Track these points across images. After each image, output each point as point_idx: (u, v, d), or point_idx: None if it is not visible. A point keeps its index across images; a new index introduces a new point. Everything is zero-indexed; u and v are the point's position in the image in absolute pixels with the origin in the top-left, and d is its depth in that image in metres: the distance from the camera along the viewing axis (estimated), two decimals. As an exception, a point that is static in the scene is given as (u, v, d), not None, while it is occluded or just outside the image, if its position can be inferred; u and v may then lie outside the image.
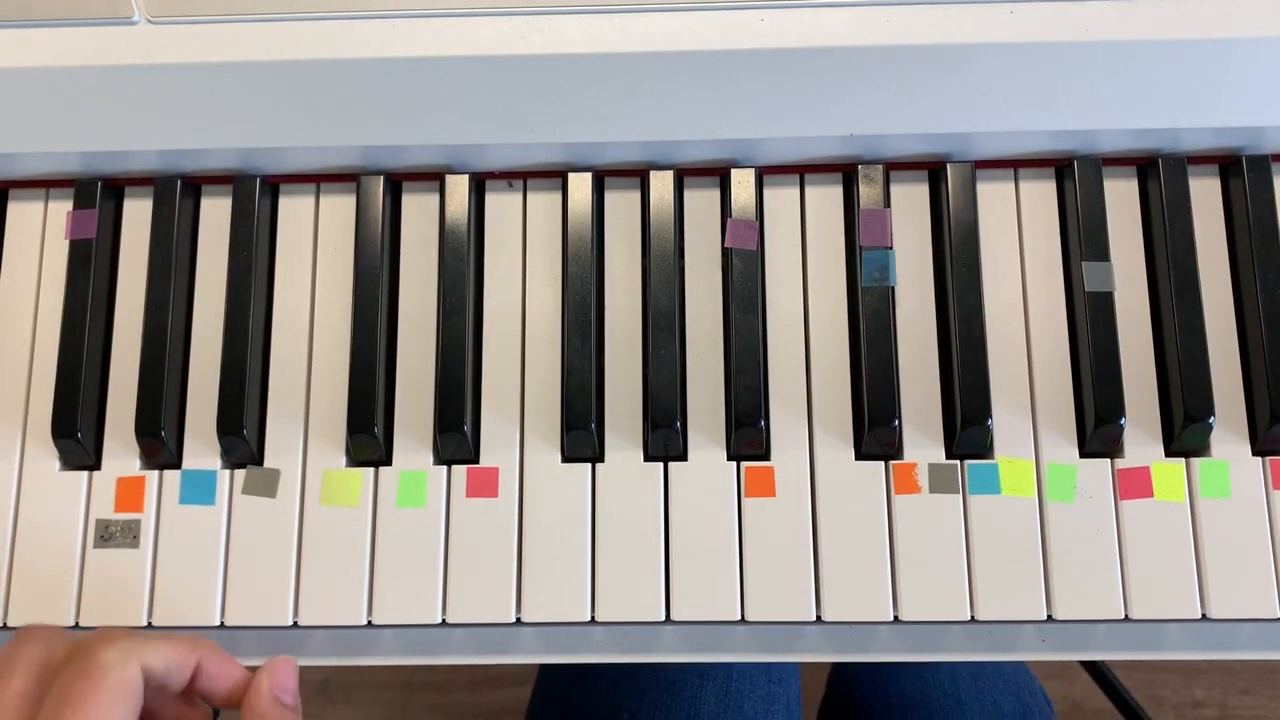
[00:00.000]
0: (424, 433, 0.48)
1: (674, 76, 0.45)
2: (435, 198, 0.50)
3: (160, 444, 0.47)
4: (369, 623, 0.46)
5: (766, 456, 0.47)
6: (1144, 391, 0.47)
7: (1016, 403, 0.47)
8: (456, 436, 0.47)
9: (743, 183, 0.49)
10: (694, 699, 0.63)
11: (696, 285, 0.49)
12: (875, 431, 0.46)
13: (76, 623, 0.46)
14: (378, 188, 0.49)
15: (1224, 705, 1.23)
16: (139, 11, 0.45)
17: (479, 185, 0.51)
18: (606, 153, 0.49)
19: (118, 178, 0.51)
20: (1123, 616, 0.45)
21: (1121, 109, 0.46)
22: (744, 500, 0.46)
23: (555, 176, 0.50)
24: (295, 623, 0.46)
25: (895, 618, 0.45)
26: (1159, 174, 0.48)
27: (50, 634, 0.38)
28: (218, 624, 0.46)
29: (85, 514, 0.47)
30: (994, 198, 0.50)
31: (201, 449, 0.48)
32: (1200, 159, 0.49)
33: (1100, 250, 0.48)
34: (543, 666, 0.71)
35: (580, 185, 0.49)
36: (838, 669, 0.78)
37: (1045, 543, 0.46)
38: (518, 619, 0.46)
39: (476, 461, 0.48)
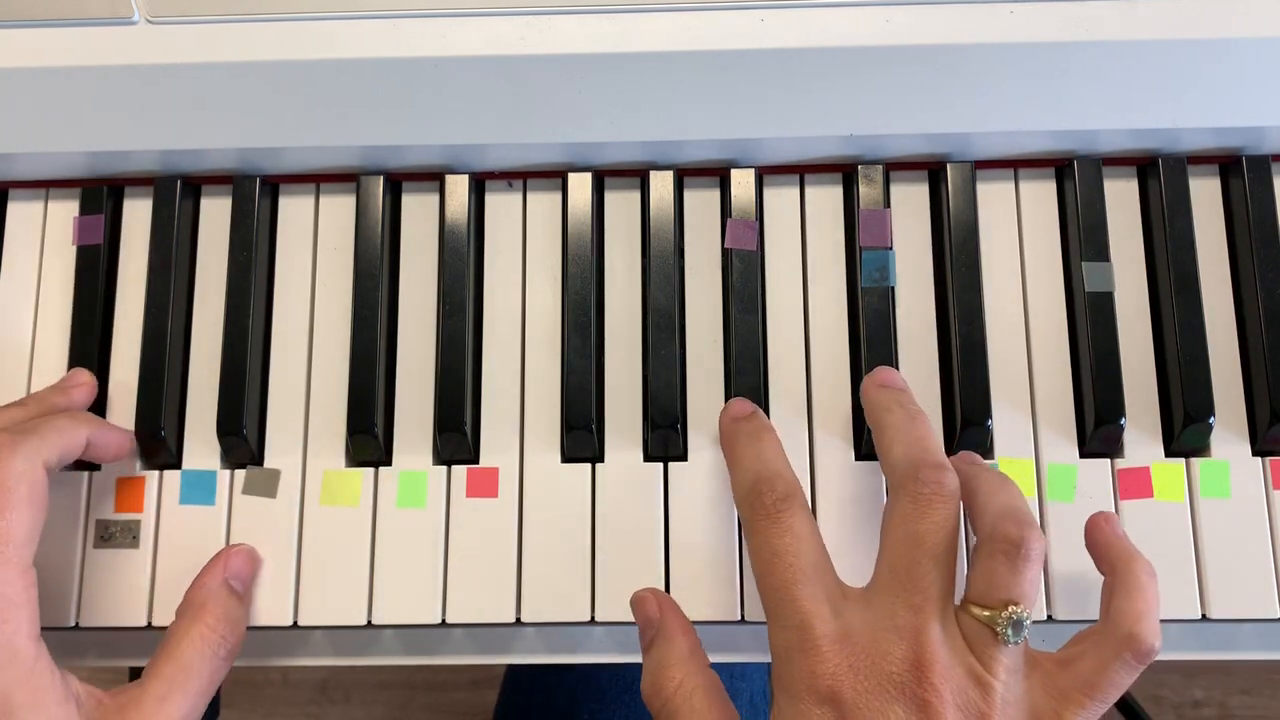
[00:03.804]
0: (424, 433, 0.48)
1: (674, 76, 0.45)
2: (435, 198, 0.50)
3: (160, 444, 0.47)
4: (369, 623, 0.46)
5: (766, 456, 0.47)
6: (1144, 391, 0.47)
7: (1016, 403, 0.47)
8: (456, 436, 0.47)
9: (743, 183, 0.49)
10: None
11: (696, 285, 0.49)
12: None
13: (76, 623, 0.46)
14: (378, 188, 0.49)
15: (1224, 705, 1.23)
16: (139, 11, 0.45)
17: (479, 185, 0.51)
18: (606, 153, 0.49)
19: (118, 178, 0.51)
20: (1123, 616, 0.45)
21: (1121, 109, 0.46)
22: (744, 500, 0.46)
23: (555, 176, 0.50)
24: (295, 623, 0.46)
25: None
26: (1159, 174, 0.48)
27: None
28: (218, 624, 0.46)
29: (85, 514, 0.47)
30: (994, 198, 0.50)
31: (201, 449, 0.48)
32: (1200, 159, 0.49)
33: (1100, 250, 0.48)
34: (508, 670, 0.71)
35: (580, 185, 0.49)
36: None
37: (1045, 543, 0.46)
38: (518, 619, 0.46)
39: (476, 461, 0.48)
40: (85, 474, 0.48)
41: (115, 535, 0.47)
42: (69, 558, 0.47)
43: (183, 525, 0.47)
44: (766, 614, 0.39)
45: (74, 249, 0.50)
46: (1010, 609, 0.37)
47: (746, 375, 0.47)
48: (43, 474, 0.41)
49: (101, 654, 0.48)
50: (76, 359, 0.48)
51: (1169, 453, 0.47)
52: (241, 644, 0.44)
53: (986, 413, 0.46)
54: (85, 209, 0.50)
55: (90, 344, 0.49)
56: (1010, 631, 0.37)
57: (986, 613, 0.37)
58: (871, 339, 0.47)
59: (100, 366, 0.49)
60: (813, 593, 0.38)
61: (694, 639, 0.42)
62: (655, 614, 0.43)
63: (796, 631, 0.38)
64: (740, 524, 0.46)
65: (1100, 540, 0.42)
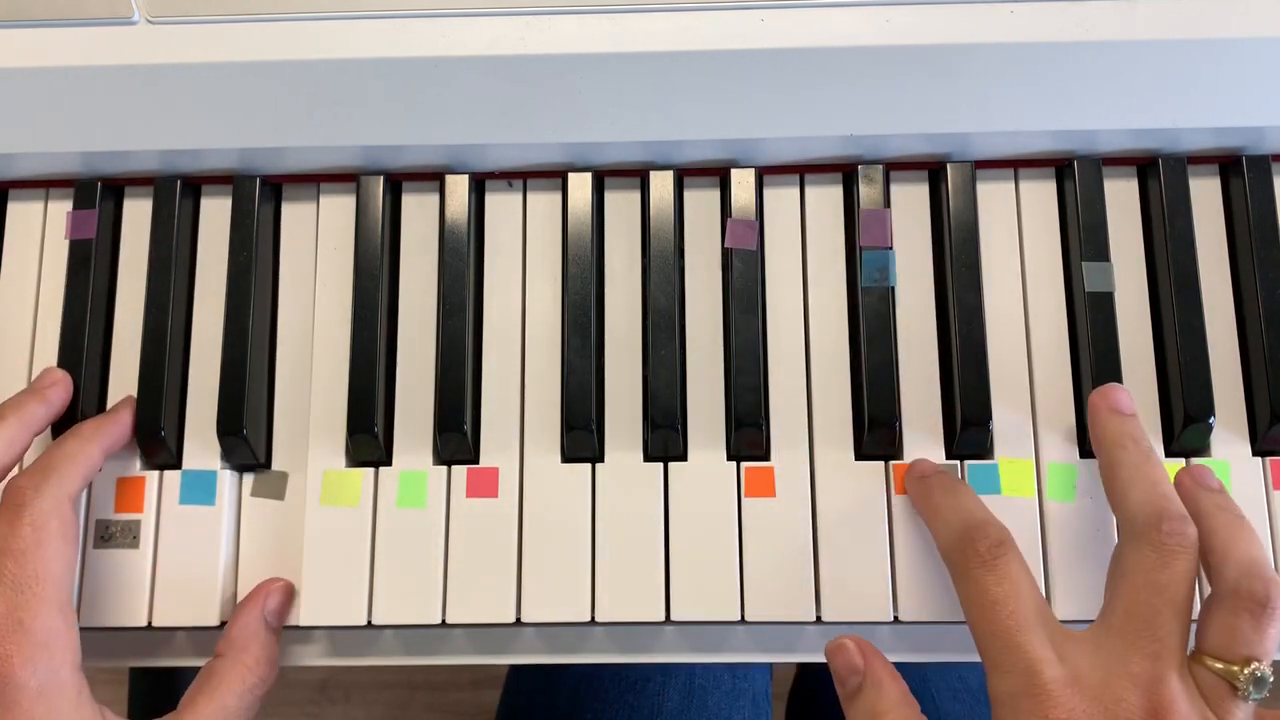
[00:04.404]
0: (424, 433, 0.48)
1: (674, 76, 0.45)
2: (435, 198, 0.50)
3: (160, 444, 0.47)
4: (369, 623, 0.46)
5: (766, 456, 0.47)
6: (1144, 391, 0.47)
7: (1016, 403, 0.47)
8: (456, 436, 0.47)
9: (743, 183, 0.49)
10: (657, 696, 0.64)
11: (696, 285, 0.49)
12: (875, 431, 0.46)
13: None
14: (378, 188, 0.49)
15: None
16: (139, 11, 0.45)
17: (479, 185, 0.51)
18: (606, 153, 0.49)
19: (118, 178, 0.51)
20: (1123, 616, 0.45)
21: (1121, 109, 0.46)
22: (744, 500, 0.46)
23: (555, 176, 0.50)
24: (296, 623, 0.46)
25: (895, 618, 0.45)
26: (1159, 174, 0.48)
27: None
28: (218, 624, 0.46)
29: (85, 514, 0.47)
30: (994, 198, 0.50)
31: (201, 449, 0.48)
32: (1200, 159, 0.49)
33: (1100, 250, 0.48)
34: (511, 670, 0.71)
35: (580, 185, 0.49)
36: None
37: (1045, 543, 0.46)
38: (518, 619, 0.46)
39: (476, 461, 0.48)
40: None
41: (115, 535, 0.47)
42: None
43: (183, 525, 0.47)
44: (986, 663, 0.39)
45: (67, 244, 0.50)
46: (1253, 665, 0.37)
47: (746, 375, 0.47)
48: (70, 509, 0.42)
49: (101, 654, 0.48)
50: (67, 352, 0.48)
51: (1169, 453, 0.47)
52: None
53: (987, 413, 0.46)
54: (79, 203, 0.50)
55: (80, 338, 0.48)
56: (1252, 688, 0.37)
57: (1225, 666, 0.37)
58: (871, 339, 0.47)
59: (97, 365, 0.49)
60: (1037, 638, 0.38)
61: (904, 685, 0.41)
62: (859, 661, 0.42)
63: (1022, 677, 0.37)
64: (740, 522, 0.46)
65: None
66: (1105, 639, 0.38)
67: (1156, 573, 0.38)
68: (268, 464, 0.48)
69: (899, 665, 0.43)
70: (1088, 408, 0.45)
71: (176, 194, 0.50)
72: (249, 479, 0.48)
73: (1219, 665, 0.37)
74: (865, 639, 0.43)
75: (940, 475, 0.45)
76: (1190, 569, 0.39)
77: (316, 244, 0.50)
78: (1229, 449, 0.46)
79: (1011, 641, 0.38)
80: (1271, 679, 0.37)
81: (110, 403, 0.49)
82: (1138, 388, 0.47)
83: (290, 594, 0.46)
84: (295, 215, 0.51)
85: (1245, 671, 0.37)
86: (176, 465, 0.48)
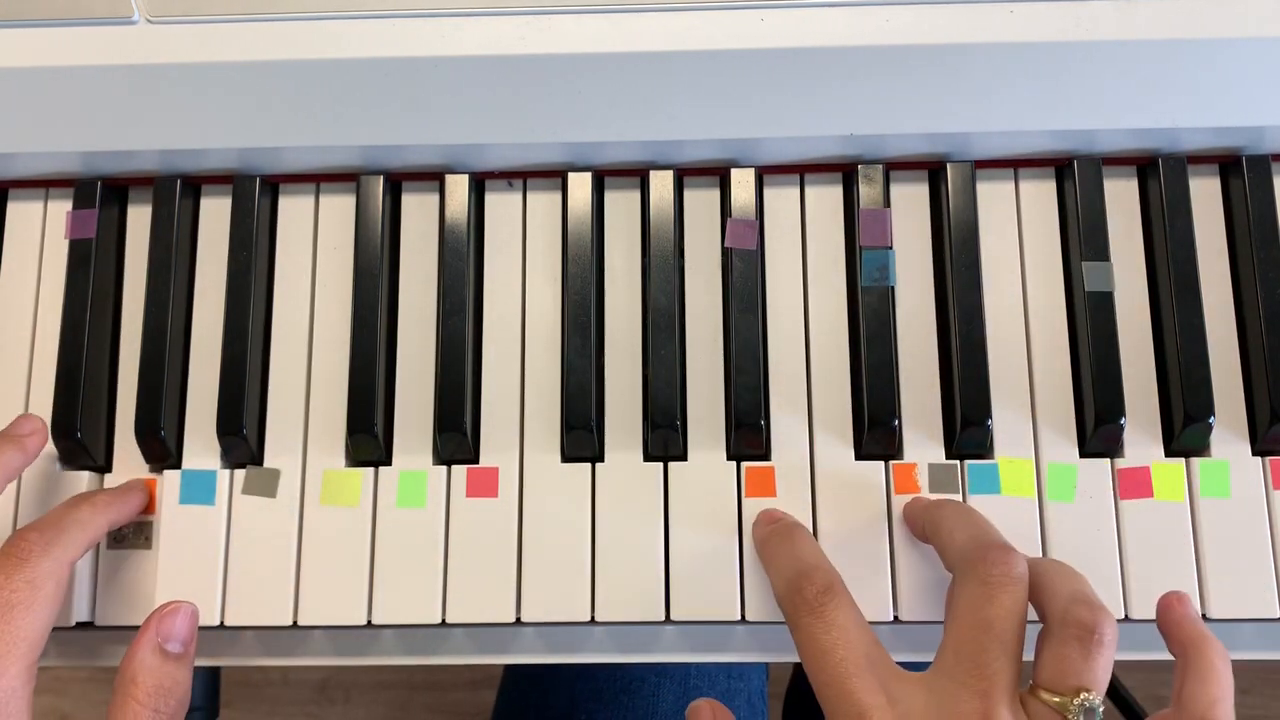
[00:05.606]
0: (424, 433, 0.48)
1: (674, 76, 0.45)
2: (435, 197, 0.50)
3: (160, 444, 0.47)
4: (369, 623, 0.46)
5: (766, 456, 0.47)
6: (1144, 391, 0.47)
7: (1016, 403, 0.47)
8: (456, 436, 0.47)
9: (743, 183, 0.49)
10: (652, 697, 0.64)
11: (696, 285, 0.49)
12: (875, 431, 0.46)
13: (92, 622, 0.47)
14: (377, 187, 0.49)
15: (1224, 705, 1.22)
16: (139, 11, 0.45)
17: (479, 185, 0.51)
18: (606, 152, 0.49)
19: (118, 178, 0.51)
20: (1123, 616, 0.45)
21: (1121, 109, 0.46)
22: (744, 500, 0.46)
23: (555, 176, 0.50)
24: (295, 623, 0.46)
25: (895, 618, 0.45)
26: (1159, 174, 0.48)
27: None
28: (218, 624, 0.46)
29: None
30: (994, 198, 0.50)
31: (201, 449, 0.48)
32: (1200, 159, 0.49)
33: (1100, 250, 0.48)
34: (506, 670, 0.71)
35: (580, 185, 0.49)
36: None
37: (1044, 543, 0.46)
38: (518, 619, 0.46)
39: (476, 461, 0.48)
40: (87, 474, 0.48)
41: (128, 536, 0.47)
42: (83, 559, 0.46)
43: (183, 525, 0.47)
44: (824, 710, 0.39)
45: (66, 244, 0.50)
46: (1083, 696, 0.36)
47: (746, 375, 0.47)
48: (68, 573, 0.42)
49: (102, 654, 0.48)
50: (67, 351, 0.48)
51: (1169, 452, 0.47)
52: (187, 702, 0.42)
53: (987, 413, 0.46)
54: (79, 203, 0.50)
55: (80, 337, 0.48)
56: (1082, 718, 0.36)
57: (1058, 699, 0.37)
58: (871, 339, 0.47)
59: (97, 365, 0.49)
60: (867, 684, 0.37)
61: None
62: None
63: None
64: (740, 522, 0.46)
65: (1172, 620, 0.41)
66: (936, 680, 0.38)
67: (983, 609, 0.38)
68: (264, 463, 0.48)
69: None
70: (903, 513, 0.46)
71: (176, 194, 0.50)
72: (240, 476, 0.48)
73: (1054, 698, 0.37)
74: None
75: (780, 522, 0.45)
76: (1018, 602, 0.38)
77: (316, 244, 0.50)
78: (1229, 449, 0.46)
79: (843, 688, 0.37)
80: (1102, 709, 0.37)
81: (112, 403, 0.49)
82: (1138, 388, 0.47)
83: (190, 614, 0.44)
84: (295, 215, 0.51)
85: (1075, 702, 0.36)
86: (177, 465, 0.48)
